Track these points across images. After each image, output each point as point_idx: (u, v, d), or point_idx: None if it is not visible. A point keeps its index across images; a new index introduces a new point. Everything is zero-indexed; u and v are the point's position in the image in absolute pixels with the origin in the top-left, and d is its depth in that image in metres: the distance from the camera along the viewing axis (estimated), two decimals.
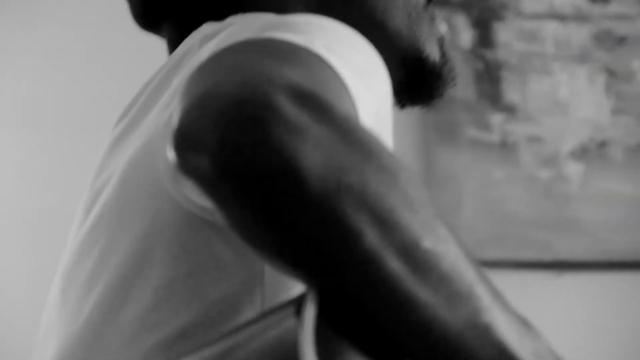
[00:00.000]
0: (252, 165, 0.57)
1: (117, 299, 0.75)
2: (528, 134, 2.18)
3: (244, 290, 0.72)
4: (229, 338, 0.56)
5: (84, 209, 0.84)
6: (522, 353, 0.64)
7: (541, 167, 2.17)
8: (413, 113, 2.18)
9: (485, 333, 0.62)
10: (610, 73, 2.21)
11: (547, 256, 2.14)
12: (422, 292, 0.59)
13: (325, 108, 0.59)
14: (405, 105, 1.01)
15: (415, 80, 0.97)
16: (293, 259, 0.59)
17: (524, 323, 0.66)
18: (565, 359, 0.69)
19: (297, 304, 0.56)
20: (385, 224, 0.58)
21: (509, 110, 2.19)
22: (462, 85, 2.16)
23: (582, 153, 2.18)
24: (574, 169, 2.17)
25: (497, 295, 0.64)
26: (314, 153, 0.57)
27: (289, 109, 0.58)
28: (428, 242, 0.60)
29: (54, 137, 2.11)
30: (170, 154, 0.60)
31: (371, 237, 0.58)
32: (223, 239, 0.72)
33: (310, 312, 0.55)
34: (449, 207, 2.14)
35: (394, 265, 0.58)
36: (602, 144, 2.18)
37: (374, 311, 0.60)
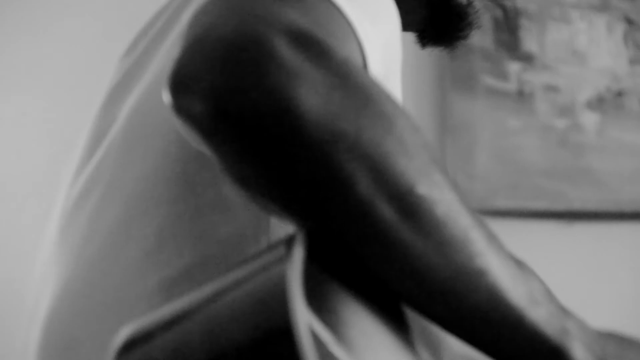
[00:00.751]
0: (247, 109, 0.56)
1: (121, 237, 0.75)
2: (545, 83, 2.17)
3: (249, 232, 0.73)
4: (218, 281, 0.57)
5: (87, 147, 0.84)
6: (515, 297, 0.64)
7: (557, 116, 2.16)
8: (430, 60, 2.17)
9: (478, 277, 0.62)
10: (630, 22, 2.19)
11: (560, 206, 2.14)
12: (414, 238, 0.60)
13: (324, 51, 0.58)
14: (427, 45, 1.00)
15: (440, 21, 0.97)
16: (285, 203, 0.59)
17: (519, 266, 0.66)
18: (564, 303, 0.69)
19: (287, 245, 0.56)
20: (379, 170, 0.58)
21: (527, 59, 2.18)
22: (479, 33, 2.15)
23: (598, 103, 2.17)
24: (589, 119, 2.16)
25: (492, 239, 0.64)
26: (309, 98, 0.57)
27: (286, 52, 0.57)
28: (422, 188, 0.60)
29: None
30: (166, 97, 0.60)
31: (364, 183, 0.58)
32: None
33: (299, 254, 0.55)
34: (464, 155, 2.14)
35: (387, 211, 0.59)
36: (619, 94, 2.17)
37: (366, 255, 0.60)
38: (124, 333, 0.55)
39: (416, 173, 0.60)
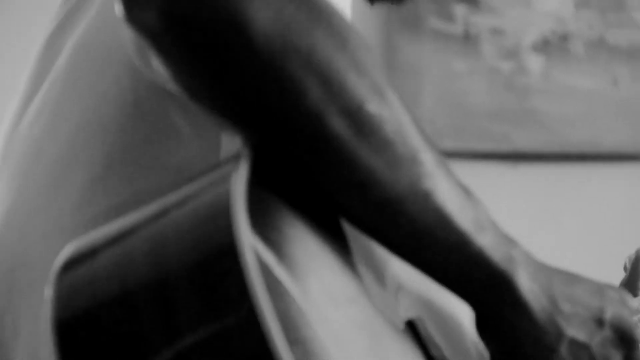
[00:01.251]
0: (200, 18, 0.57)
1: (68, 164, 0.74)
2: (491, 25, 2.17)
3: (200, 160, 0.72)
4: (165, 198, 0.57)
5: (29, 83, 0.83)
6: (462, 221, 0.64)
7: (503, 59, 2.17)
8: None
9: (426, 199, 0.63)
10: None
11: (505, 147, 2.16)
12: (363, 154, 0.60)
13: None
14: (375, 1, 1.01)
15: None
16: (236, 115, 0.60)
17: (466, 192, 0.67)
18: (508, 233, 0.69)
19: (232, 163, 0.56)
20: (331, 85, 0.59)
21: (473, 1, 2.17)
22: None
23: (543, 46, 2.18)
24: (535, 62, 2.17)
25: (441, 163, 0.64)
26: (263, 10, 0.57)
27: None
28: (373, 106, 0.60)
29: None
30: (118, 8, 0.60)
31: (315, 96, 0.58)
32: (181, 109, 0.72)
33: (243, 171, 0.55)
34: (409, 97, 2.14)
35: (337, 125, 0.59)
36: (564, 37, 2.18)
37: (314, 171, 0.61)
38: (67, 250, 0.55)
39: (367, 90, 0.60)
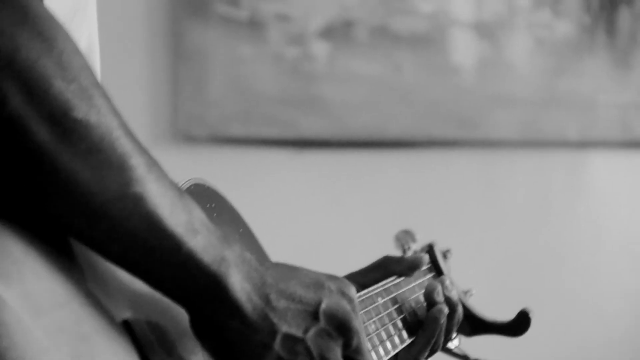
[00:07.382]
0: None
1: None
2: (277, 11, 2.17)
3: None
4: None
5: None
6: (172, 224, 0.65)
7: (288, 45, 2.17)
8: None
9: (135, 204, 0.63)
10: None
11: (291, 134, 2.17)
12: (69, 162, 0.60)
13: None
14: None
15: None
16: None
17: (180, 195, 0.67)
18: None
19: None
20: (33, 91, 0.58)
21: None
22: None
23: (328, 32, 2.20)
24: (320, 48, 2.19)
25: (153, 167, 0.64)
26: None
27: None
28: (78, 112, 0.60)
29: None
30: None
31: (16, 103, 0.57)
32: None
33: None
34: (197, 82, 2.12)
35: (41, 133, 0.59)
36: (348, 24, 2.21)
37: (21, 180, 0.60)
38: None
39: (73, 96, 0.60)
